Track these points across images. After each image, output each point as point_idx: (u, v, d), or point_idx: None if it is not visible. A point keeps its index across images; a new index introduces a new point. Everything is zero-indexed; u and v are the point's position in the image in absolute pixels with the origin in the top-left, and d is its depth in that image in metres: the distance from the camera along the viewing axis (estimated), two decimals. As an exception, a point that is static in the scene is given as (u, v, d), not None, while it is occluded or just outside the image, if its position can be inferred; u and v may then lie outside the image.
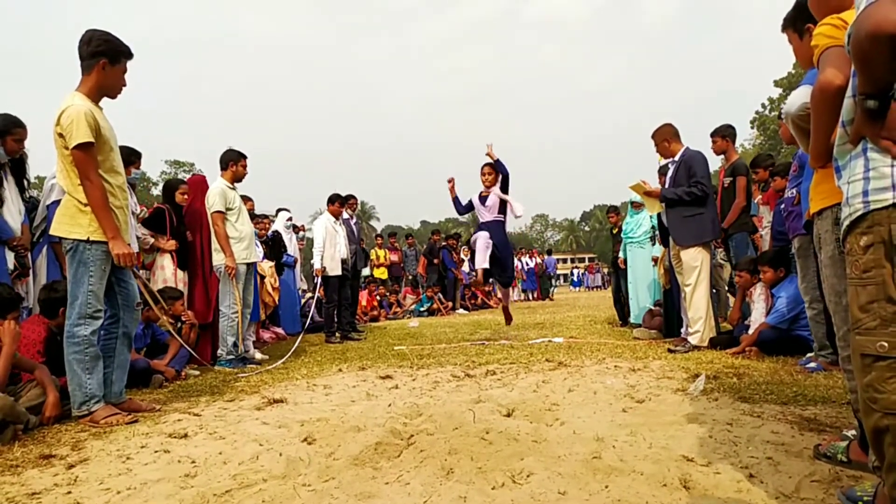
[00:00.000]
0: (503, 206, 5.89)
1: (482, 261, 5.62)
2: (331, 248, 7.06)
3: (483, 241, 5.70)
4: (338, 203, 7.35)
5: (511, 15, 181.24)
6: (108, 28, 3.10)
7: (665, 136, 5.10)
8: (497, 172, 5.88)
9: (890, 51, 1.19)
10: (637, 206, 6.83)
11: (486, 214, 5.88)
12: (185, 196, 5.32)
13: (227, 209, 5.12)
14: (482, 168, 5.92)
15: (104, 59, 3.04)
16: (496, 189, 5.88)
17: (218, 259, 5.08)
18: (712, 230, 4.91)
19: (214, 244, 5.11)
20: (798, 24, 2.24)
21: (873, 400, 1.27)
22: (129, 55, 3.16)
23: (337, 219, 7.31)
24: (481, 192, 5.98)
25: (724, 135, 5.84)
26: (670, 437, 2.27)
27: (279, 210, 9.05)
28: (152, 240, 4.94)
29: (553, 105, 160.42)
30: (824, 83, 1.58)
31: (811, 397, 2.81)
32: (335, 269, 7.08)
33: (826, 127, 1.67)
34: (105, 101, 3.18)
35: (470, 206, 6.10)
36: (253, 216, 7.15)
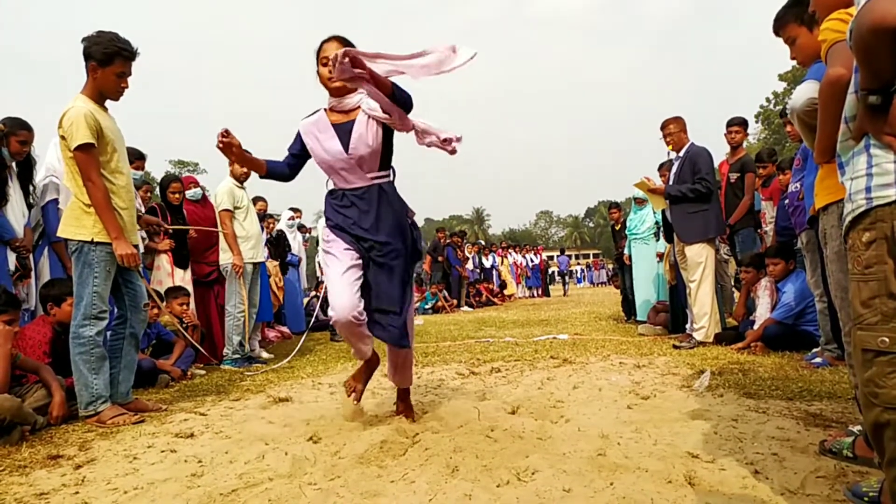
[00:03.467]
0: (389, 147, 2.49)
1: (344, 305, 2.34)
2: None
3: (341, 264, 2.40)
4: None
5: (514, 12, 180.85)
6: (112, 27, 3.08)
7: (682, 127, 5.09)
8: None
9: (892, 44, 1.18)
10: (640, 203, 6.82)
11: (354, 174, 2.45)
12: (177, 195, 5.32)
13: (235, 207, 5.13)
14: (321, 47, 2.46)
15: (92, 62, 3.02)
16: (369, 100, 2.37)
17: (225, 258, 5.10)
18: (716, 226, 4.91)
19: (222, 243, 5.13)
20: (805, 16, 2.21)
21: (874, 395, 1.27)
22: (124, 55, 3.05)
23: None
24: (330, 109, 2.51)
25: (745, 126, 5.84)
26: (675, 434, 2.27)
27: (288, 209, 9.07)
28: (146, 241, 4.94)
29: (557, 101, 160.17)
30: (834, 77, 1.57)
31: (817, 393, 2.81)
32: None
33: (833, 122, 1.66)
34: (110, 103, 3.18)
35: (299, 158, 2.62)
36: (263, 216, 7.16)
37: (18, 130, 3.76)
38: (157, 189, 5.55)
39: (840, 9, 1.72)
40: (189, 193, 5.46)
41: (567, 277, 24.00)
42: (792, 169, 3.95)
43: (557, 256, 22.45)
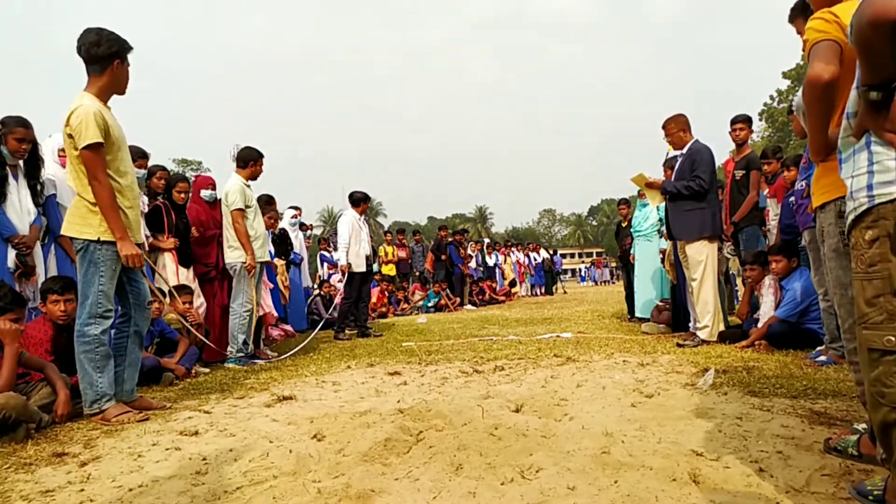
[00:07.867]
0: None
1: None
2: (356, 244, 7.17)
3: None
4: (366, 204, 7.47)
5: (516, 13, 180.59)
6: (114, 26, 3.12)
7: (681, 126, 5.06)
8: None
9: (892, 39, 1.18)
10: (644, 198, 6.80)
11: None
12: (183, 195, 5.31)
13: (246, 206, 5.13)
14: None
15: (118, 59, 3.09)
16: None
17: (233, 256, 5.10)
18: (712, 226, 4.86)
19: (229, 241, 5.13)
20: (808, 12, 2.23)
21: (881, 394, 1.26)
22: (129, 48, 3.20)
23: (361, 216, 7.41)
24: None
25: (750, 123, 5.82)
26: (679, 432, 2.27)
27: (289, 208, 9.08)
28: (150, 239, 4.93)
29: (560, 100, 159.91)
30: (813, 78, 1.56)
31: (821, 391, 2.80)
32: (360, 266, 7.17)
33: (820, 121, 1.65)
34: (114, 100, 3.20)
35: None
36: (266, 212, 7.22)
37: (15, 128, 3.75)
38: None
39: (829, 7, 1.71)
40: (205, 194, 5.46)
41: (561, 276, 25.08)
42: (798, 167, 3.93)
43: (552, 256, 23.32)
